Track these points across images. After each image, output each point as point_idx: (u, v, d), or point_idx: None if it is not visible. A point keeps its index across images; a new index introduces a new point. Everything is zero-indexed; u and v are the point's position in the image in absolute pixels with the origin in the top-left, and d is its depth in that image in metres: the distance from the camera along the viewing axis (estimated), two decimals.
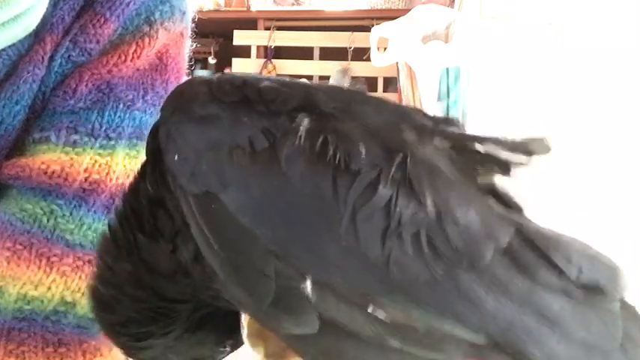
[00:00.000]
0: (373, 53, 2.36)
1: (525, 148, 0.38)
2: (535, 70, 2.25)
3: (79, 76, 0.68)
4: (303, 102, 0.37)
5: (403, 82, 2.40)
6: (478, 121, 2.31)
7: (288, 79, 0.41)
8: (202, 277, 0.40)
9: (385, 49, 2.30)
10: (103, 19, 0.68)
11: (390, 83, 2.81)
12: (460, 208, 0.35)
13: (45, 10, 0.68)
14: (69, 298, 0.62)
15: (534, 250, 0.35)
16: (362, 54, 2.67)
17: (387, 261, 0.34)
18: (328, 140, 0.35)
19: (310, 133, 0.36)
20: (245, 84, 0.39)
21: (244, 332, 0.43)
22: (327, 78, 2.91)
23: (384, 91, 2.81)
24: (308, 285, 0.35)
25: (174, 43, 0.72)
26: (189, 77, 0.43)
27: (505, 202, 0.39)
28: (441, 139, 0.38)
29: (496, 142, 0.38)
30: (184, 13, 0.74)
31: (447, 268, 0.34)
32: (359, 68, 2.80)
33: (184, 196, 0.37)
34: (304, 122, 0.36)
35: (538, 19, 2.29)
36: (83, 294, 0.62)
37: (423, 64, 2.25)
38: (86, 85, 0.67)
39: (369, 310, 0.35)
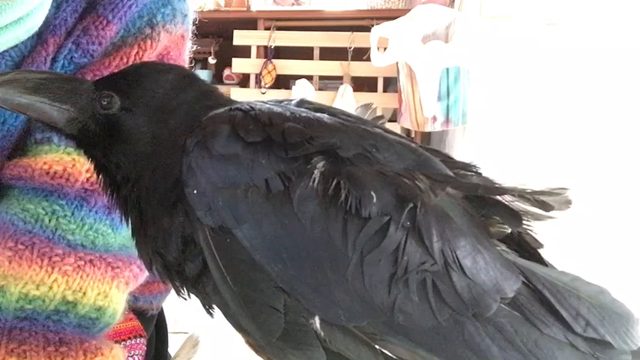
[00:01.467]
0: (373, 53, 2.36)
1: (544, 202, 0.39)
2: (535, 70, 2.25)
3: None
4: (324, 147, 0.38)
5: (403, 82, 2.40)
6: (478, 121, 2.32)
7: (316, 115, 0.41)
8: (203, 292, 0.41)
9: (385, 49, 2.30)
10: (105, 22, 0.69)
11: (390, 83, 2.81)
12: (468, 257, 0.36)
13: (47, 12, 0.68)
14: (70, 298, 0.62)
15: (542, 303, 0.36)
16: (362, 54, 2.68)
17: (392, 306, 0.35)
18: (341, 185, 0.36)
19: (324, 177, 0.37)
20: (270, 123, 0.39)
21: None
22: (328, 78, 2.92)
23: (384, 91, 2.82)
24: (316, 321, 0.36)
25: (176, 46, 0.73)
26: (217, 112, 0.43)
27: (521, 244, 0.40)
28: (454, 187, 0.38)
29: (513, 193, 0.39)
30: (186, 16, 0.74)
31: (453, 316, 0.35)
32: (359, 68, 2.80)
33: (201, 227, 0.38)
34: (319, 166, 0.37)
35: (538, 19, 2.29)
36: (84, 294, 0.63)
37: (423, 64, 2.25)
38: None
39: (376, 347, 0.36)
